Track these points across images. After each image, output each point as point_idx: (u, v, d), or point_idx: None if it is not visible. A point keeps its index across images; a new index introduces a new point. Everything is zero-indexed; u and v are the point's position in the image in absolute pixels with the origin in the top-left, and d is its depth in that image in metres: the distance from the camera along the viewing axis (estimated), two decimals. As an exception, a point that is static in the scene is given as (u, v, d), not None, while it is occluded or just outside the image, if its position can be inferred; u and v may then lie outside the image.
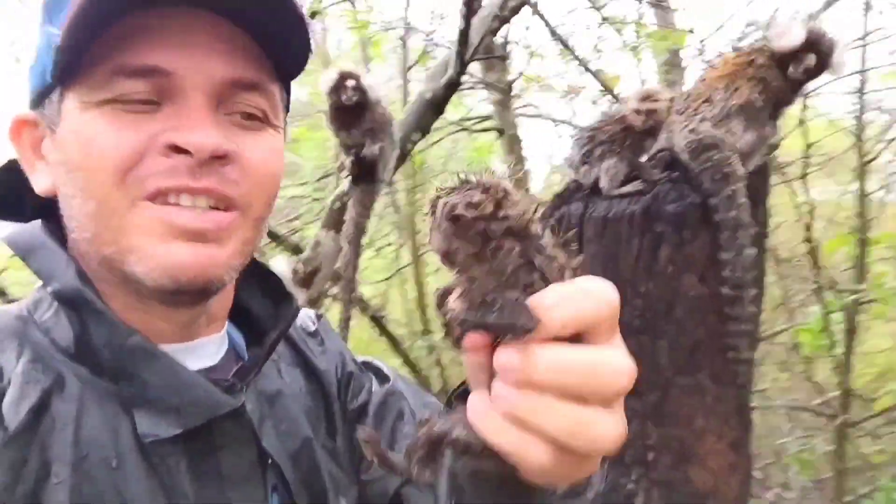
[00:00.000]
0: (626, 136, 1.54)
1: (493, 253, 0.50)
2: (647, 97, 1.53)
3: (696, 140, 1.35)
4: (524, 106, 4.37)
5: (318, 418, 0.80)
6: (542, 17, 3.78)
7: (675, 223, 1.42)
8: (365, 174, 2.02)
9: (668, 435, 1.46)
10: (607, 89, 3.80)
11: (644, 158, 1.55)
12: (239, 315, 0.81)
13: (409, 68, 3.74)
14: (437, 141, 4.28)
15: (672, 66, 3.90)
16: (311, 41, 0.70)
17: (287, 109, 0.78)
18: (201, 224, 0.64)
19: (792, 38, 1.32)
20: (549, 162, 4.79)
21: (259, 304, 0.82)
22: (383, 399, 0.86)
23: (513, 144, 4.18)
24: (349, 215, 2.11)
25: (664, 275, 1.42)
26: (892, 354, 4.02)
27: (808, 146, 2.43)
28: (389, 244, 4.70)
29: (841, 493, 2.87)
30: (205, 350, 0.74)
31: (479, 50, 2.46)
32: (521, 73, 3.96)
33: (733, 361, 1.45)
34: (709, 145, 1.36)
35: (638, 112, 1.51)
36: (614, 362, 0.50)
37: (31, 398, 0.61)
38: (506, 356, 0.49)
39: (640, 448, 1.46)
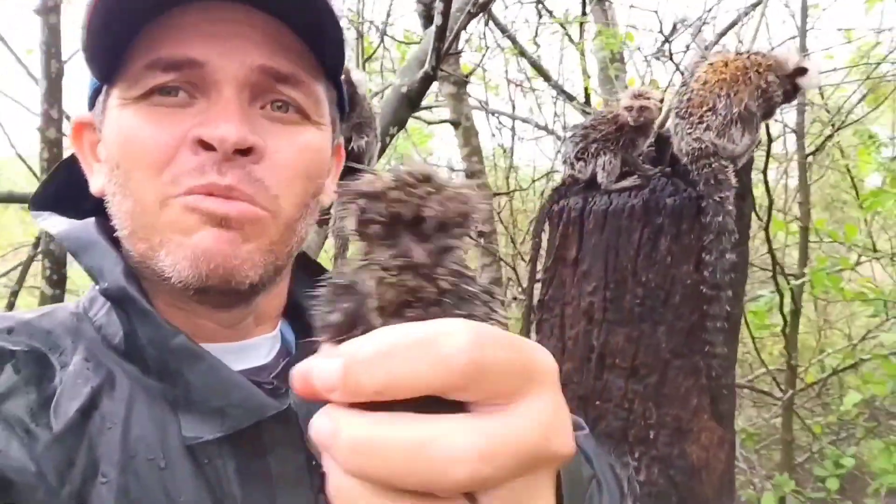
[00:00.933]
0: (620, 133, 1.62)
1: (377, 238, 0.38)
2: (638, 95, 1.61)
3: (699, 149, 1.43)
4: (474, 99, 4.44)
5: None
6: (492, 16, 3.86)
7: (673, 215, 1.51)
8: (351, 168, 2.03)
9: (667, 413, 1.56)
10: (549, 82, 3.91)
11: (637, 154, 1.63)
12: (293, 312, 0.81)
13: (365, 61, 3.74)
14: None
15: (613, 61, 4.01)
16: (344, 36, 0.69)
17: (341, 107, 0.78)
18: (225, 209, 0.63)
19: (794, 62, 1.43)
20: (503, 155, 4.84)
21: (309, 299, 0.82)
22: None
23: (469, 137, 4.22)
24: (335, 210, 2.11)
25: (663, 264, 1.52)
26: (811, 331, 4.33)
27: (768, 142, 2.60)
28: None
29: (789, 461, 3.08)
30: (255, 350, 0.73)
31: (454, 45, 2.50)
32: (477, 65, 4.02)
33: (708, 355, 1.55)
34: (709, 153, 1.45)
35: (630, 109, 1.59)
36: (447, 444, 0.33)
37: (81, 398, 0.60)
38: (315, 423, 0.37)
39: (643, 427, 1.55)
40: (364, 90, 1.93)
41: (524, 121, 4.59)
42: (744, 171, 1.58)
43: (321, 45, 0.69)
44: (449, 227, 0.38)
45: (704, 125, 1.41)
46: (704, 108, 1.41)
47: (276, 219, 0.67)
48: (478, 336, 0.34)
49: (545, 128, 4.44)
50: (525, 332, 1.93)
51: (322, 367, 0.36)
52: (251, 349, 0.73)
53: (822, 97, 3.77)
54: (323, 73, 0.72)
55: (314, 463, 0.69)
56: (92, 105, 0.71)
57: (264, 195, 0.65)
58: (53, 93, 2.41)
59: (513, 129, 4.69)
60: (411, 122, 5.08)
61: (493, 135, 6.66)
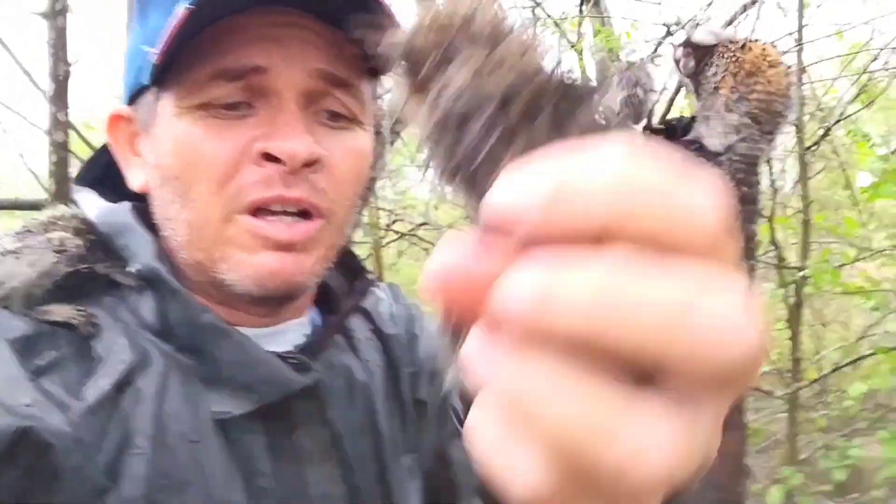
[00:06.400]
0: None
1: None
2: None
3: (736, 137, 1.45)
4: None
5: (389, 389, 0.80)
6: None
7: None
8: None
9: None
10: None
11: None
12: (321, 295, 0.81)
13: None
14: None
15: (612, 60, 4.02)
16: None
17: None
18: (289, 236, 0.65)
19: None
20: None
21: (336, 282, 0.82)
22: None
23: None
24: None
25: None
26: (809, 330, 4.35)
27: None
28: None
29: (794, 457, 3.10)
30: (285, 335, 0.74)
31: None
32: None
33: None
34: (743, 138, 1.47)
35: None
36: (719, 316, 0.24)
37: (116, 374, 0.61)
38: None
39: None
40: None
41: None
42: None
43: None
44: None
45: (735, 115, 1.42)
46: (734, 98, 1.42)
47: (331, 224, 0.69)
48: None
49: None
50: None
51: (520, 187, 0.26)
52: (280, 334, 0.74)
53: (815, 95, 3.81)
54: (369, 72, 0.72)
55: (340, 439, 0.71)
56: (131, 101, 0.71)
57: (326, 203, 0.67)
58: (60, 96, 2.42)
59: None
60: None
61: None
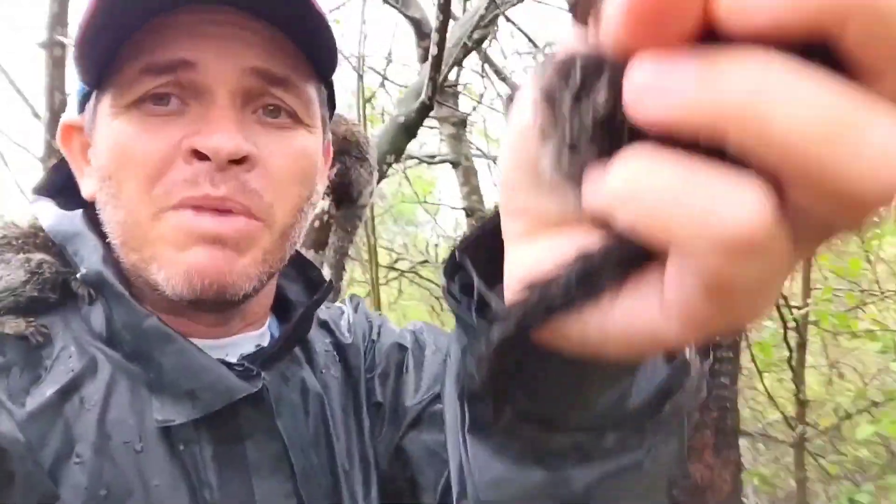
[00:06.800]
0: None
1: None
2: None
3: None
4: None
5: (346, 400, 0.78)
6: (489, 59, 3.95)
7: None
8: (343, 197, 2.02)
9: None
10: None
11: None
12: (280, 306, 0.80)
13: (367, 101, 3.80)
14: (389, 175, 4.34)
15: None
16: (335, 38, 0.69)
17: (332, 104, 0.78)
18: (219, 228, 0.63)
19: None
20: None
21: (296, 294, 0.81)
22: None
23: (469, 176, 4.26)
24: (331, 240, 2.10)
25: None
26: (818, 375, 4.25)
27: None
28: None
29: (803, 501, 2.98)
30: (239, 348, 0.72)
31: (447, 77, 2.53)
32: (475, 107, 4.08)
33: (718, 360, 1.51)
34: None
35: None
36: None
37: (60, 382, 0.61)
38: None
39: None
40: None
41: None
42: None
43: (314, 47, 0.69)
44: None
45: None
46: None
47: (270, 228, 0.66)
48: None
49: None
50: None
51: None
52: (234, 346, 0.72)
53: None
54: (314, 74, 0.71)
55: (290, 451, 0.68)
56: (81, 109, 0.70)
57: (259, 204, 0.64)
58: (56, 124, 2.44)
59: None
60: (414, 171, 5.15)
61: (495, 183, 6.72)
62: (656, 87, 0.24)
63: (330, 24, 0.67)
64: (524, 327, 0.34)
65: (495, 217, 0.40)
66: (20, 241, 0.69)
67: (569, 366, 0.37)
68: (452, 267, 0.44)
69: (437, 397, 0.74)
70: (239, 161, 0.63)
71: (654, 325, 0.30)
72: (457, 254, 0.43)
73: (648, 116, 0.25)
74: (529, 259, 0.35)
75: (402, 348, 0.82)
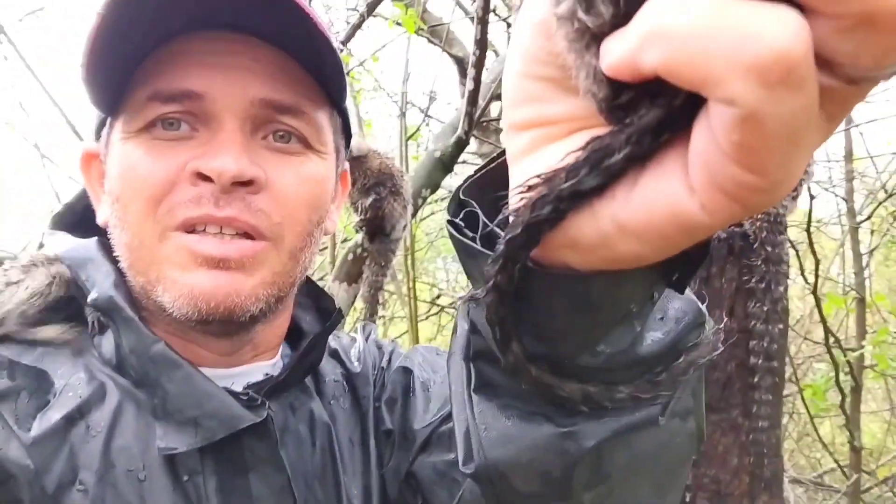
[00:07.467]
0: None
1: None
2: None
3: None
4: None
5: (353, 430, 0.77)
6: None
7: (702, 258, 1.44)
8: (377, 231, 2.02)
9: (704, 474, 1.44)
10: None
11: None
12: (294, 336, 0.79)
13: (409, 138, 3.83)
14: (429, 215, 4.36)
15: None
16: (343, 63, 0.70)
17: (347, 133, 0.77)
18: (224, 251, 0.63)
19: None
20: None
21: (309, 324, 0.80)
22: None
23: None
24: (365, 273, 2.10)
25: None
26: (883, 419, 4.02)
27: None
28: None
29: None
30: (248, 377, 0.71)
31: (485, 113, 2.54)
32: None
33: (755, 402, 1.44)
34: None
35: None
36: None
37: (67, 408, 0.61)
38: None
39: (677, 487, 1.43)
40: (360, 147, 1.92)
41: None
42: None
43: (323, 73, 0.69)
44: None
45: None
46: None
47: (278, 248, 0.66)
48: None
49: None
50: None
51: None
52: (244, 375, 0.71)
53: (876, 170, 3.67)
54: (326, 101, 0.71)
55: (293, 485, 0.67)
56: (98, 136, 0.72)
57: (266, 223, 0.65)
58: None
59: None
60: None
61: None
62: None
63: (335, 47, 0.67)
64: (532, 225, 0.32)
65: (498, 156, 0.42)
66: (44, 262, 0.71)
67: (576, 293, 0.36)
68: (457, 206, 0.44)
69: (446, 418, 0.73)
70: (245, 184, 0.63)
71: (676, 200, 0.29)
72: (459, 193, 0.43)
73: None
74: (535, 169, 0.34)
75: (406, 371, 0.81)
